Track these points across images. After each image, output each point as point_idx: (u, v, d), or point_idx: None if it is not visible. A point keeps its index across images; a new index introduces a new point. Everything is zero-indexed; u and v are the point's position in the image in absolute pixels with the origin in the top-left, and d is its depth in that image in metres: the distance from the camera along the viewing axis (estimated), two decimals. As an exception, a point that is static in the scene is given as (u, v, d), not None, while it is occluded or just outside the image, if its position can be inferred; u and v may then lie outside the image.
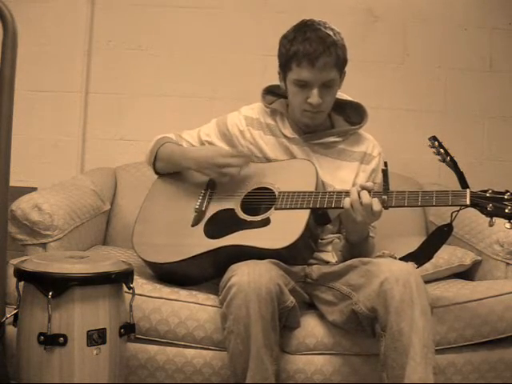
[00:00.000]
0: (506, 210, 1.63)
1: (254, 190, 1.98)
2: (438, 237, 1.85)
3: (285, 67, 1.95)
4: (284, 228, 1.82)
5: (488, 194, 1.67)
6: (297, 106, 1.97)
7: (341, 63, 1.93)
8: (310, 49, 1.87)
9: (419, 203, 1.74)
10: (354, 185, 1.95)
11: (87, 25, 2.87)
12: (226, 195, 1.99)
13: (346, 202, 1.77)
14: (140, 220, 2.05)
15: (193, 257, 1.87)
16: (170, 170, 2.10)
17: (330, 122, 2.07)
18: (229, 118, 2.13)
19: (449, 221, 1.80)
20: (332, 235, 2.03)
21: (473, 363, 1.89)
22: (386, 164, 1.81)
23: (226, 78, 2.88)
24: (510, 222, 1.64)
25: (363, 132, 2.08)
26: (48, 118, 2.89)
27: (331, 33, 1.90)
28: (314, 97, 1.91)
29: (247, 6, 2.89)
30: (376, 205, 1.74)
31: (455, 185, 1.83)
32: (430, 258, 1.88)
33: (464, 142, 2.84)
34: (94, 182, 2.50)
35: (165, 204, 2.06)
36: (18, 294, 1.68)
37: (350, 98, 2.08)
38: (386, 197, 1.75)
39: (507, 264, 2.13)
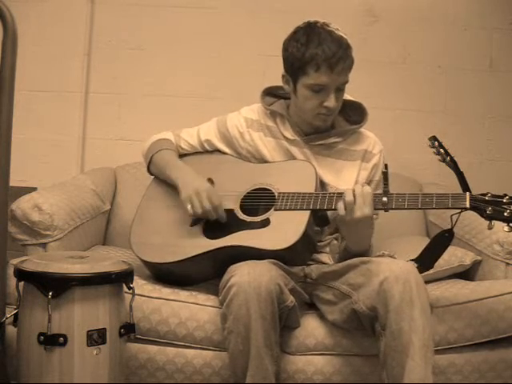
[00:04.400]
0: (505, 214, 1.65)
1: (254, 190, 1.97)
2: (439, 243, 1.84)
3: (298, 71, 1.90)
4: (284, 229, 1.82)
5: (487, 198, 1.68)
6: (310, 109, 1.93)
7: (352, 65, 1.92)
8: (329, 53, 1.83)
9: (419, 206, 1.74)
10: (356, 183, 1.94)
11: (87, 25, 2.87)
12: (225, 196, 1.98)
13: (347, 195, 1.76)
14: (138, 220, 2.05)
15: (191, 257, 1.87)
16: (161, 178, 2.09)
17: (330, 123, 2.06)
18: (229, 118, 2.11)
19: (449, 221, 1.80)
20: (330, 236, 2.03)
21: (473, 363, 1.89)
22: (386, 166, 1.81)
23: (226, 78, 2.88)
24: (508, 225, 1.66)
25: (364, 130, 2.06)
26: (48, 118, 2.89)
27: (342, 35, 1.89)
28: (332, 101, 1.89)
29: (247, 6, 2.88)
30: (366, 187, 1.76)
31: (455, 185, 1.83)
32: (431, 267, 1.87)
33: (464, 142, 2.84)
34: (94, 181, 2.50)
35: (163, 204, 2.05)
36: (18, 293, 1.68)
37: (349, 98, 2.06)
38: (386, 199, 1.75)
39: (507, 264, 2.13)
